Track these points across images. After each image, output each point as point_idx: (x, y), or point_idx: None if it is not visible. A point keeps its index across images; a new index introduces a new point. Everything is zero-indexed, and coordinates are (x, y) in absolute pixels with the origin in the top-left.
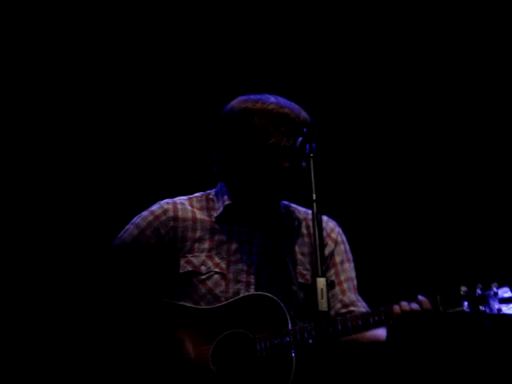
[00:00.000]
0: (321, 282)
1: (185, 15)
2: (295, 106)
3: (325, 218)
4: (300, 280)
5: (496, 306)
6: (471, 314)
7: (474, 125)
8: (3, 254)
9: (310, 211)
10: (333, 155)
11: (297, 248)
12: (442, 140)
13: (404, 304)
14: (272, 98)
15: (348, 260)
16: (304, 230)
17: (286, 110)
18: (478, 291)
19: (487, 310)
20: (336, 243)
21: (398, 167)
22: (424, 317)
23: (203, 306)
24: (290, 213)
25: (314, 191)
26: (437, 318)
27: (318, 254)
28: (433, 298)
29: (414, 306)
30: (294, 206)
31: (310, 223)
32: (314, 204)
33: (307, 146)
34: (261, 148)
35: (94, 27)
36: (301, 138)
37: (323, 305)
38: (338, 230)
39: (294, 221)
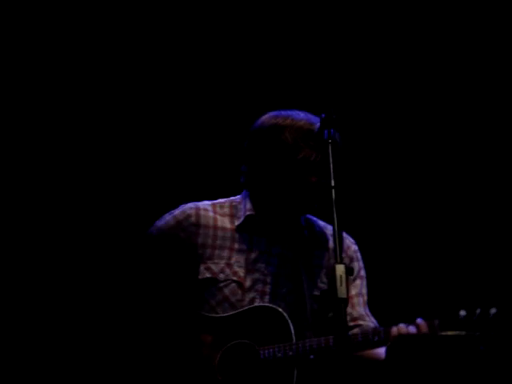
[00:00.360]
0: (340, 269)
1: (208, 25)
2: None
3: (343, 234)
4: (315, 292)
5: (492, 331)
6: (467, 339)
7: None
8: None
9: (329, 226)
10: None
11: (314, 261)
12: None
13: (402, 326)
14: (302, 114)
15: (360, 277)
16: (322, 244)
17: (316, 127)
18: (477, 316)
19: (483, 335)
20: (351, 260)
21: (393, 189)
22: (420, 340)
23: (215, 315)
24: (310, 226)
25: (332, 178)
26: (433, 342)
27: (337, 241)
28: (431, 321)
29: (412, 329)
30: (314, 218)
31: (329, 238)
32: (333, 191)
33: (325, 131)
34: (291, 162)
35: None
36: (319, 124)
37: (342, 292)
38: (354, 247)
39: (313, 233)
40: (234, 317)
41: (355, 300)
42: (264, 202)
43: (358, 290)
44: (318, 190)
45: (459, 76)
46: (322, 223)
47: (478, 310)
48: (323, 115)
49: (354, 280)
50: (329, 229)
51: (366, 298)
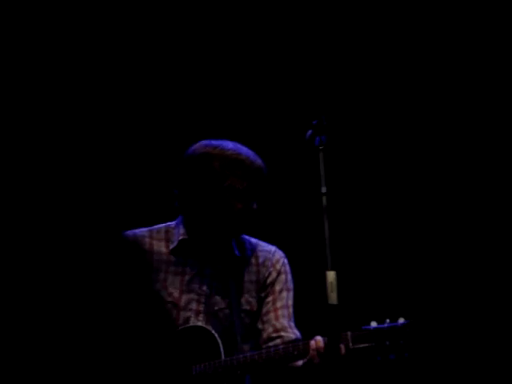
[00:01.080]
0: (331, 276)
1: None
2: (251, 154)
3: (272, 248)
4: (246, 307)
5: (400, 340)
6: (377, 349)
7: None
8: None
9: (260, 242)
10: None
11: (245, 277)
12: None
13: (318, 339)
14: (230, 145)
15: (287, 289)
16: (253, 260)
17: (242, 157)
18: (386, 326)
19: (393, 344)
20: (279, 273)
21: None
22: (335, 354)
23: None
24: (241, 244)
25: (323, 184)
26: (347, 354)
27: (328, 247)
28: (344, 334)
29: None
30: (246, 237)
31: (259, 253)
32: (324, 197)
33: (317, 138)
34: (218, 189)
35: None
36: (310, 131)
37: (333, 298)
38: (283, 260)
39: (244, 251)
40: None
41: (280, 312)
42: (195, 225)
43: (284, 302)
44: (243, 215)
45: (448, 84)
46: (253, 240)
47: (387, 321)
48: (315, 122)
49: (281, 292)
50: (259, 244)
51: (291, 310)
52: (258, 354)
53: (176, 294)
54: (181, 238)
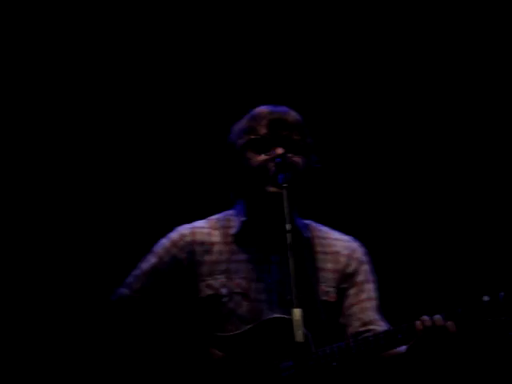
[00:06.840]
0: (296, 314)
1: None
2: (276, 107)
3: (347, 237)
4: (323, 298)
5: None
6: (494, 325)
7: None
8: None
9: (333, 230)
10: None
11: (319, 264)
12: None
13: (426, 319)
14: None
15: (371, 281)
16: (326, 248)
17: (260, 109)
18: (500, 300)
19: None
20: (360, 263)
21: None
22: (447, 331)
23: (225, 334)
24: (310, 230)
25: (288, 221)
26: (460, 331)
27: (294, 285)
28: (454, 311)
29: (437, 317)
30: (313, 224)
31: (333, 241)
32: (288, 235)
33: (280, 176)
34: (244, 147)
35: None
36: (274, 168)
37: (300, 336)
38: (361, 250)
39: (314, 238)
40: (248, 333)
41: (366, 304)
42: (252, 205)
43: (369, 294)
44: (275, 167)
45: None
46: (322, 227)
47: (502, 294)
48: (278, 160)
49: (363, 283)
50: (333, 233)
51: (377, 302)
52: (354, 341)
53: (244, 283)
54: (242, 219)
